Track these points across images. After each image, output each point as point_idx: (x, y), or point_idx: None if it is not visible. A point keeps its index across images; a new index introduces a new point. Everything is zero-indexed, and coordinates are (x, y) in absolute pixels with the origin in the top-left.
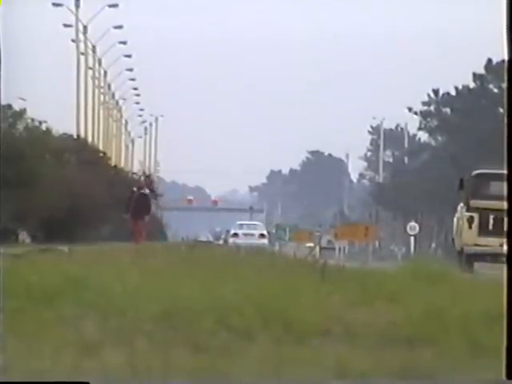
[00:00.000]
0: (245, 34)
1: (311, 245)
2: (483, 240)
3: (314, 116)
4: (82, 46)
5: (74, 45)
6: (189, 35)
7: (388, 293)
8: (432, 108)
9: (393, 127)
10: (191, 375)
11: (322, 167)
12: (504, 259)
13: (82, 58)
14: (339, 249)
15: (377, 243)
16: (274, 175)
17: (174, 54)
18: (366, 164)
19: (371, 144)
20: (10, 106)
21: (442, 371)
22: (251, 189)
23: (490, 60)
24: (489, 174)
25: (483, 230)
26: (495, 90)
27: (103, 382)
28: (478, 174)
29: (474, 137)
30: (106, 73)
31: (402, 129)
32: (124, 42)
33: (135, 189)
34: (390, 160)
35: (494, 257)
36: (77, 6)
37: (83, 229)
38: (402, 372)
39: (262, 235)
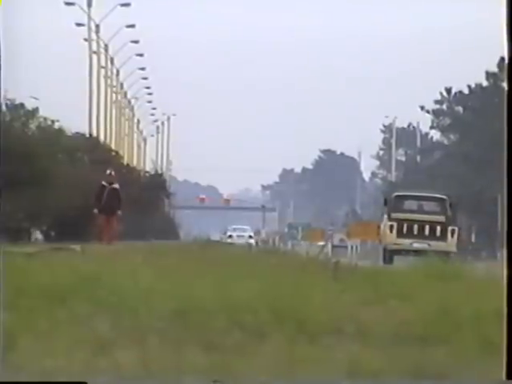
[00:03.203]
0: (258, 34)
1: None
2: (399, 240)
3: (326, 115)
4: (94, 44)
5: (86, 44)
6: (202, 34)
7: (400, 291)
8: (444, 106)
9: (405, 126)
10: (204, 374)
11: (334, 166)
12: (413, 253)
13: (95, 56)
14: (351, 247)
15: None
16: (286, 174)
17: (187, 52)
18: (378, 163)
19: (383, 143)
20: (22, 105)
21: (455, 370)
22: (264, 187)
23: (502, 58)
24: (404, 195)
25: (399, 234)
26: None
27: (102, 382)
28: (397, 195)
29: (486, 135)
30: (118, 72)
31: (414, 127)
32: (136, 41)
33: (105, 183)
34: (403, 159)
35: (406, 252)
36: (89, 4)
37: (96, 227)
38: (414, 371)
39: (251, 236)
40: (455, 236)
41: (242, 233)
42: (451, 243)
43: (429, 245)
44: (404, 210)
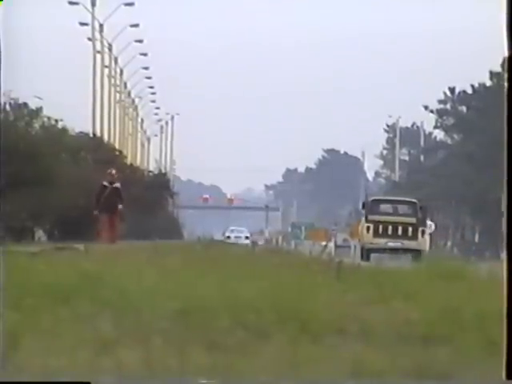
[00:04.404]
0: (262, 34)
1: (324, 243)
2: (375, 240)
3: (329, 114)
4: (98, 44)
5: (90, 43)
6: (205, 34)
7: (404, 291)
8: (448, 106)
9: (409, 125)
10: (207, 373)
11: (337, 165)
12: (387, 251)
13: (98, 56)
14: (355, 247)
15: None
16: (289, 174)
17: (190, 52)
18: (381, 162)
19: (387, 142)
20: (26, 105)
21: (458, 370)
22: (267, 187)
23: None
24: (379, 199)
25: (375, 234)
26: None
27: (105, 382)
28: (373, 199)
29: (490, 135)
30: (122, 71)
31: (418, 127)
32: (140, 41)
33: (106, 183)
34: (406, 158)
35: (382, 250)
36: (93, 4)
37: (97, 227)
38: (417, 371)
39: (247, 237)
40: (425, 236)
41: (239, 234)
42: (421, 242)
43: (402, 244)
44: (379, 213)
